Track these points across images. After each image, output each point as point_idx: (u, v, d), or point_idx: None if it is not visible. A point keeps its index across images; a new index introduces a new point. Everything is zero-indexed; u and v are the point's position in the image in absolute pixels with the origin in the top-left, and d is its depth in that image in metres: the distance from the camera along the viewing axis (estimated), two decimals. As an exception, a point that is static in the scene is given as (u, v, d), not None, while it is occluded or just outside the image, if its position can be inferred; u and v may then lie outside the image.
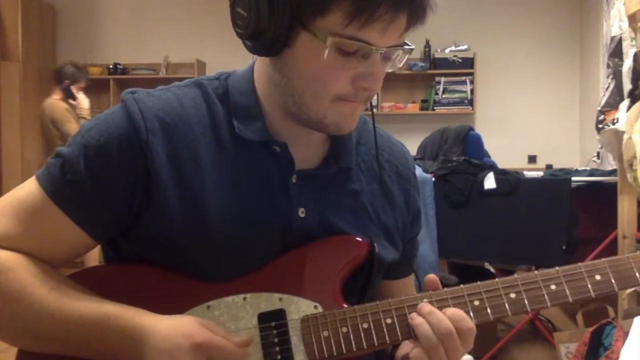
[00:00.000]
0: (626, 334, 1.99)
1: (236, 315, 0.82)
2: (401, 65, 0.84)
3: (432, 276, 0.83)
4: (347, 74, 0.79)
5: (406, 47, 0.81)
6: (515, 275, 0.82)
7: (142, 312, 0.78)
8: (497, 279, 0.82)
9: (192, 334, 0.74)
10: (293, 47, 0.78)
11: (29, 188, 0.83)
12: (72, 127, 4.42)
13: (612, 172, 3.10)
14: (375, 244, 0.88)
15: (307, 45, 0.77)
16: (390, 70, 0.83)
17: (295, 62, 0.79)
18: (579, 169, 3.98)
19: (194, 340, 0.74)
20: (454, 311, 0.79)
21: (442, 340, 0.78)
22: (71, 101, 4.61)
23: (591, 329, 2.39)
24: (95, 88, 5.86)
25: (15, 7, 5.26)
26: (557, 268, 0.82)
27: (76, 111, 4.60)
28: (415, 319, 0.79)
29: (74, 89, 4.62)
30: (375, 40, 0.76)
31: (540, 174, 3.51)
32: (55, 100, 4.60)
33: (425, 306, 0.80)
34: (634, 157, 2.20)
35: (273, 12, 0.76)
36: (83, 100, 4.64)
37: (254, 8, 0.77)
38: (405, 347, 0.84)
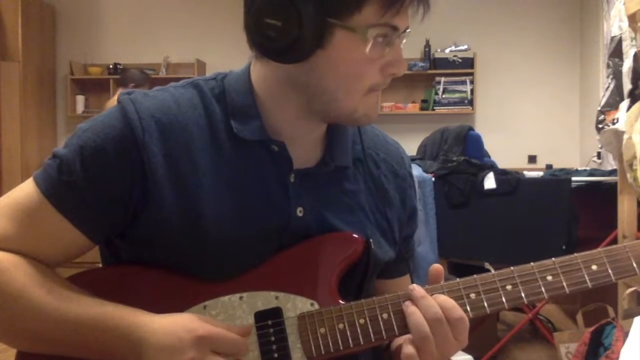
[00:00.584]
0: (626, 334, 1.99)
1: (233, 314, 0.82)
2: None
3: (437, 266, 0.83)
4: (377, 64, 0.80)
5: (408, 30, 0.83)
6: (512, 268, 0.82)
7: (139, 311, 0.78)
8: (493, 272, 0.82)
9: (193, 327, 0.75)
10: (327, 47, 0.77)
11: (26, 189, 0.83)
12: None
13: (612, 172, 3.10)
14: (371, 240, 0.88)
15: (344, 42, 0.77)
16: None
17: (328, 62, 0.79)
18: (579, 169, 3.97)
19: (196, 333, 0.74)
20: (444, 299, 0.79)
21: (432, 328, 0.77)
22: None
23: (591, 329, 2.39)
24: (95, 88, 5.89)
25: (15, 7, 5.26)
26: (553, 259, 0.82)
27: None
28: (409, 307, 0.80)
29: None
30: (402, 25, 0.79)
31: (540, 174, 3.51)
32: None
33: (419, 290, 0.80)
34: (634, 157, 2.20)
35: (307, 17, 0.75)
36: None
37: (287, 16, 0.76)
38: (400, 342, 0.84)
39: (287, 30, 0.76)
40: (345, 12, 0.75)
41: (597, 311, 2.65)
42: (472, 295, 0.81)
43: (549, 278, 0.81)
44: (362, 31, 0.76)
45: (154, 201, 0.81)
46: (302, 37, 0.76)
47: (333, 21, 0.76)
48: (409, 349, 0.79)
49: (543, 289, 0.81)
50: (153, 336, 0.75)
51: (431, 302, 0.79)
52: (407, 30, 0.82)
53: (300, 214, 0.86)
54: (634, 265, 0.81)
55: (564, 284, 0.81)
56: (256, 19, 0.78)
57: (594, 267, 0.81)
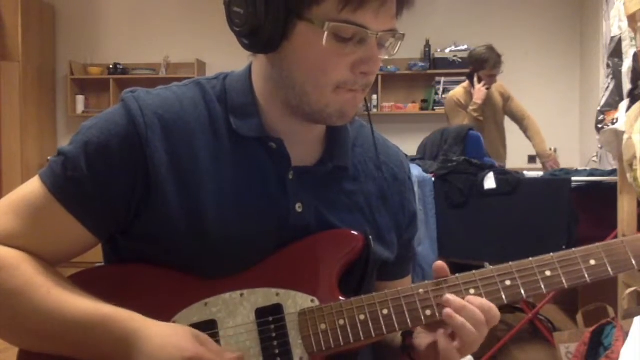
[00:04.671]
0: (626, 334, 1.99)
1: (234, 311, 0.83)
2: (395, 52, 0.85)
3: (440, 263, 0.84)
4: (345, 61, 0.80)
5: (398, 33, 0.82)
6: (510, 263, 0.83)
7: (137, 316, 0.78)
8: (491, 267, 0.83)
9: (184, 347, 0.74)
10: (291, 39, 0.79)
11: (31, 186, 0.83)
12: (459, 121, 3.84)
13: (612, 172, 3.10)
14: (370, 237, 0.88)
15: (304, 34, 0.78)
16: (384, 57, 0.84)
17: (294, 54, 0.80)
18: (579, 169, 3.97)
19: (185, 354, 0.74)
20: (481, 302, 0.80)
21: (477, 330, 0.80)
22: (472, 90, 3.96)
23: (591, 329, 2.39)
24: (95, 88, 5.89)
25: (15, 7, 5.27)
26: (551, 254, 0.83)
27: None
28: (455, 319, 0.79)
29: (478, 76, 3.96)
30: (369, 23, 0.78)
31: (540, 174, 3.51)
32: (453, 92, 4.10)
33: (456, 300, 0.80)
34: (634, 157, 2.20)
35: (269, 6, 0.77)
36: (478, 92, 3.89)
37: (250, 4, 0.78)
38: (424, 336, 0.85)
39: (249, 18, 0.79)
40: (305, 4, 0.77)
41: (597, 311, 2.65)
42: (472, 291, 0.82)
43: (548, 273, 0.82)
44: (320, 24, 0.77)
45: (157, 197, 0.82)
46: (264, 26, 0.78)
47: (293, 13, 0.77)
48: (448, 344, 0.80)
49: (542, 284, 0.81)
50: (145, 346, 0.75)
51: (474, 309, 0.79)
52: (391, 31, 0.81)
53: (299, 210, 0.87)
54: (632, 259, 0.81)
55: (563, 278, 0.81)
56: (228, 8, 0.82)
57: (592, 262, 0.82)
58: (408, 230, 1.00)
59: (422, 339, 0.87)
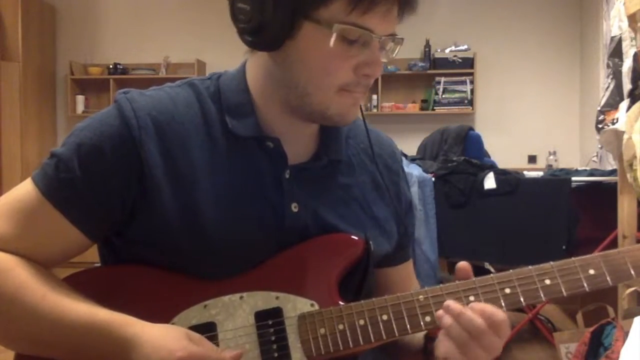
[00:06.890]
0: (626, 334, 1.99)
1: (233, 313, 0.83)
2: (394, 55, 0.85)
3: (464, 264, 0.82)
4: (349, 63, 0.80)
5: (398, 37, 0.83)
6: (510, 271, 0.82)
7: (131, 320, 0.78)
8: (492, 275, 0.83)
9: (176, 348, 0.74)
10: (296, 38, 0.79)
11: (24, 189, 0.83)
12: None
13: (612, 172, 3.10)
14: (371, 242, 0.88)
15: (311, 35, 0.78)
16: (384, 61, 0.84)
17: (298, 54, 0.80)
18: (579, 169, 3.97)
19: (176, 354, 0.73)
20: (483, 307, 0.77)
21: (476, 338, 0.76)
22: None
23: (591, 329, 2.39)
24: (95, 88, 5.89)
25: (15, 7, 5.26)
26: (551, 263, 0.82)
27: None
28: (444, 320, 0.78)
29: None
30: (375, 27, 0.78)
31: (540, 174, 3.51)
32: None
33: (455, 306, 0.78)
34: (634, 157, 2.20)
35: (276, 4, 0.77)
36: None
37: (257, 1, 0.78)
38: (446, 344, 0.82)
39: (254, 15, 0.78)
40: (313, 5, 0.77)
41: (597, 311, 2.65)
42: (472, 298, 0.81)
43: (547, 282, 0.81)
44: (327, 25, 0.77)
45: (151, 198, 0.82)
46: (270, 24, 0.78)
47: (300, 12, 0.77)
48: (452, 349, 0.78)
49: (541, 292, 0.81)
50: (140, 349, 0.75)
51: (471, 316, 0.76)
52: (393, 35, 0.81)
53: (295, 210, 0.87)
54: (631, 270, 0.81)
55: (562, 287, 0.81)
56: (232, 3, 0.81)
57: (592, 272, 0.81)
58: (407, 218, 1.00)
59: (443, 347, 0.84)
